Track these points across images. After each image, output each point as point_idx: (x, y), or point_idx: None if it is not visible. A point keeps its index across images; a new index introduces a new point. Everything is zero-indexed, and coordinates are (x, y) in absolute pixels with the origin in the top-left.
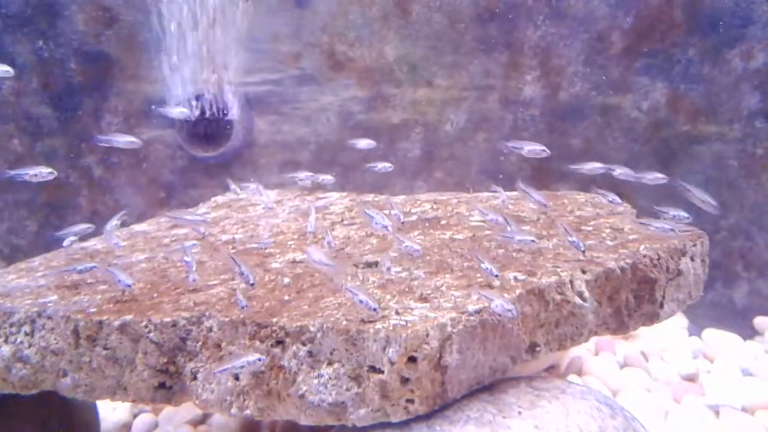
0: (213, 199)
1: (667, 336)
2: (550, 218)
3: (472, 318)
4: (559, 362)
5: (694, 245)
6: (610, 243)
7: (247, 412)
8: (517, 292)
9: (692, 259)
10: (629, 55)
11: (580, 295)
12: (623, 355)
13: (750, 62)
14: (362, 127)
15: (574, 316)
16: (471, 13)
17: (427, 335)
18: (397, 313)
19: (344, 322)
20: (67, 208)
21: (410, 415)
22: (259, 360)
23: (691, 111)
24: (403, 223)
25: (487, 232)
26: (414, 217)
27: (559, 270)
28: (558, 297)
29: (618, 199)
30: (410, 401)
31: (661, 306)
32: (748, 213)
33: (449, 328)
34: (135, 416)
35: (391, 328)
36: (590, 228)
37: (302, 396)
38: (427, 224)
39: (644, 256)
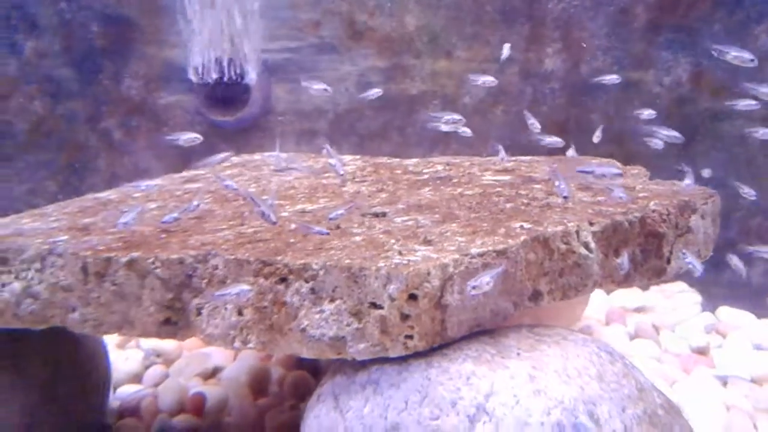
0: (230, 159)
1: (680, 311)
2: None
3: (474, 260)
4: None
5: (705, 203)
6: (619, 196)
7: (250, 345)
8: (522, 238)
9: (702, 217)
10: (652, 29)
11: (586, 245)
12: (634, 327)
13: None
14: (381, 97)
15: (579, 266)
16: None
17: (429, 274)
18: (400, 253)
19: (347, 261)
20: (86, 170)
21: (409, 351)
22: (247, 290)
23: (714, 87)
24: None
25: (498, 189)
26: (426, 176)
27: (566, 221)
28: (563, 246)
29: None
30: (409, 337)
31: (668, 261)
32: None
33: (451, 269)
34: (147, 367)
35: (393, 266)
36: (601, 187)
37: (303, 330)
38: (438, 182)
39: (653, 211)
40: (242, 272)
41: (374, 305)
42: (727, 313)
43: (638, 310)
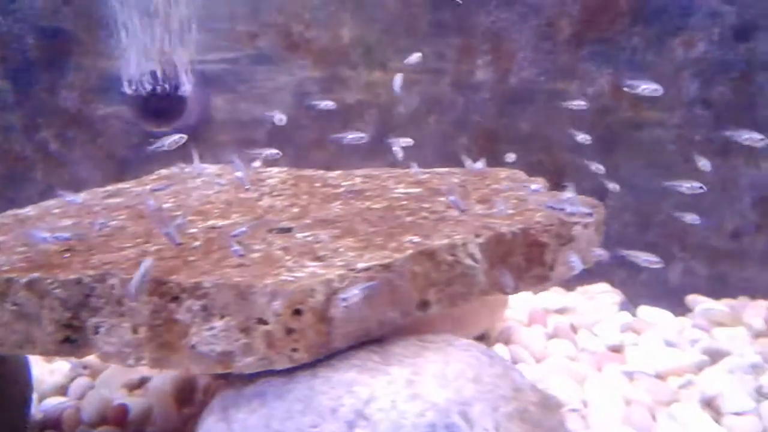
0: (157, 172)
1: (600, 311)
2: (467, 190)
3: (360, 275)
4: (489, 332)
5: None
6: (511, 211)
7: (144, 362)
8: (408, 252)
9: (585, 227)
10: (576, 42)
11: (472, 257)
12: (553, 327)
13: (690, 51)
14: (317, 107)
15: (466, 276)
16: None
17: (313, 290)
18: (289, 270)
19: (237, 279)
20: (23, 180)
21: (294, 363)
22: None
23: (633, 98)
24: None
25: (404, 202)
26: (341, 190)
27: (454, 234)
28: (450, 258)
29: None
30: (295, 350)
31: (552, 269)
32: (685, 196)
33: (336, 284)
34: (72, 379)
35: (279, 283)
36: (499, 199)
37: (193, 347)
38: (350, 195)
39: (537, 222)
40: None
41: (261, 321)
42: (646, 312)
43: (560, 311)
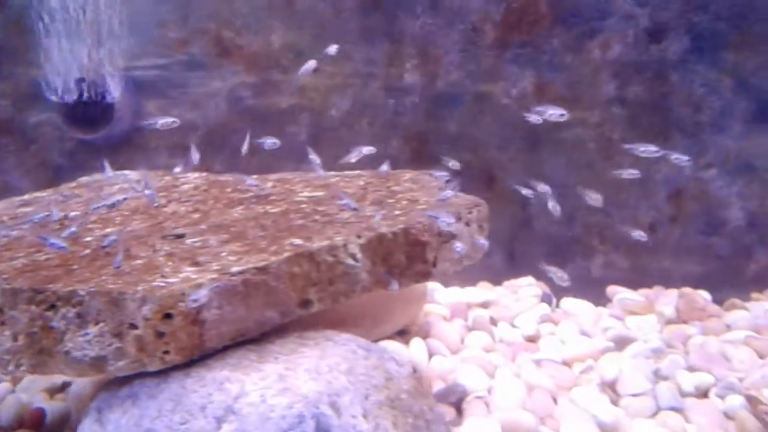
0: (78, 179)
1: (522, 303)
2: (366, 192)
3: (234, 278)
4: (409, 327)
5: (470, 212)
6: (397, 212)
7: (23, 369)
8: (285, 255)
9: (468, 225)
10: (500, 45)
11: (353, 257)
12: (473, 320)
13: (607, 53)
14: (251, 111)
15: (348, 275)
16: (353, 4)
17: (183, 294)
18: (163, 276)
19: (111, 286)
20: None
21: (167, 365)
22: None
23: (555, 98)
24: (156, 205)
25: (303, 206)
26: (249, 194)
27: (336, 236)
28: (331, 259)
29: (443, 175)
30: (166, 352)
31: (434, 265)
32: (605, 192)
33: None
34: None
35: (149, 289)
36: (393, 200)
37: (67, 352)
38: (254, 200)
39: (418, 222)
40: (17, 300)
41: (132, 326)
42: (568, 303)
43: (483, 304)
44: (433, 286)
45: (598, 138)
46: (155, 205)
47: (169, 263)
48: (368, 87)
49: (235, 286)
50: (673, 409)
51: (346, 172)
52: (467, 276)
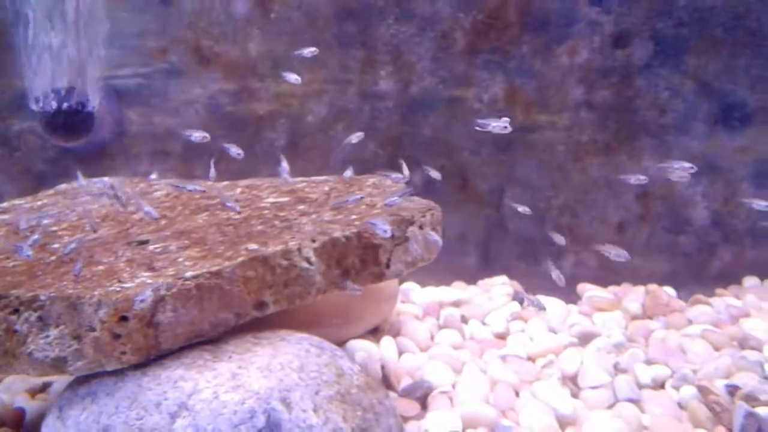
0: (56, 187)
1: (494, 302)
2: (330, 197)
3: (187, 282)
4: (381, 326)
5: (423, 216)
6: (354, 217)
7: None
8: (239, 260)
9: (421, 228)
10: (471, 52)
11: (308, 260)
12: (444, 319)
13: (575, 58)
14: (230, 118)
15: (302, 277)
16: (328, 13)
17: (144, 300)
18: (120, 281)
19: (70, 291)
20: None
21: (124, 365)
22: None
23: (525, 102)
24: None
25: (265, 212)
26: (216, 201)
27: (290, 240)
28: (285, 262)
29: (401, 177)
30: (123, 353)
31: (388, 267)
32: (574, 193)
33: (162, 291)
34: None
35: (105, 294)
36: (352, 205)
37: (30, 354)
38: (220, 206)
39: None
40: None
41: (90, 328)
42: (541, 301)
43: (455, 303)
44: (409, 286)
45: (567, 141)
46: (121, 200)
47: (128, 269)
48: (344, 93)
49: (189, 290)
50: (630, 400)
51: (313, 178)
52: (443, 276)
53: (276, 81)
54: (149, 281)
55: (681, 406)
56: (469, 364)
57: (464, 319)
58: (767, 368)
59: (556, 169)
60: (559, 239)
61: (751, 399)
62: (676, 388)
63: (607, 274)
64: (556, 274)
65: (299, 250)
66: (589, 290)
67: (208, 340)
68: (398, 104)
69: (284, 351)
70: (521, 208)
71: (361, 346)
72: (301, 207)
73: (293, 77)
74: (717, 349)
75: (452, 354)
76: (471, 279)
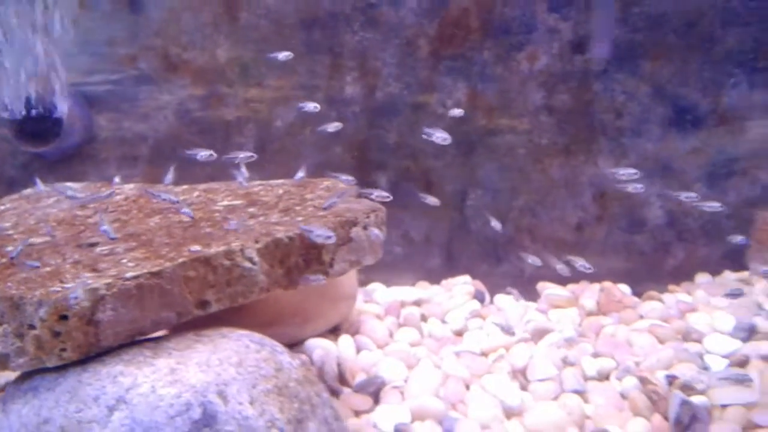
0: (21, 192)
1: (455, 300)
2: (282, 200)
3: (127, 283)
4: (341, 325)
5: (368, 217)
6: (300, 218)
7: None
8: (180, 260)
9: (365, 228)
10: (434, 58)
11: (251, 260)
12: (404, 317)
13: (534, 64)
14: (199, 123)
15: (245, 277)
16: (295, 20)
17: (77, 297)
18: (61, 282)
19: (13, 291)
20: None
21: (64, 361)
22: None
23: (487, 107)
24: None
25: (216, 215)
26: (173, 204)
27: (233, 242)
28: (227, 262)
29: (350, 179)
30: (63, 350)
31: (331, 266)
32: (534, 195)
33: (102, 291)
34: None
35: (45, 293)
36: (300, 207)
37: None
38: (174, 210)
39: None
40: None
41: (31, 326)
42: (501, 300)
43: (416, 302)
44: (374, 286)
45: (527, 144)
46: (75, 204)
47: (72, 270)
48: (311, 99)
49: (129, 290)
50: (575, 391)
51: (270, 181)
52: (408, 277)
53: (244, 87)
54: (90, 282)
55: (623, 396)
56: (424, 360)
57: (424, 318)
58: (706, 359)
59: (517, 171)
60: (535, 261)
61: (688, 388)
62: (620, 379)
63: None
64: (560, 266)
65: (242, 250)
66: (548, 288)
67: (151, 337)
68: (364, 109)
69: (224, 347)
70: (494, 223)
71: (318, 344)
72: (252, 210)
73: (312, 105)
74: (662, 342)
75: (409, 351)
76: (435, 279)
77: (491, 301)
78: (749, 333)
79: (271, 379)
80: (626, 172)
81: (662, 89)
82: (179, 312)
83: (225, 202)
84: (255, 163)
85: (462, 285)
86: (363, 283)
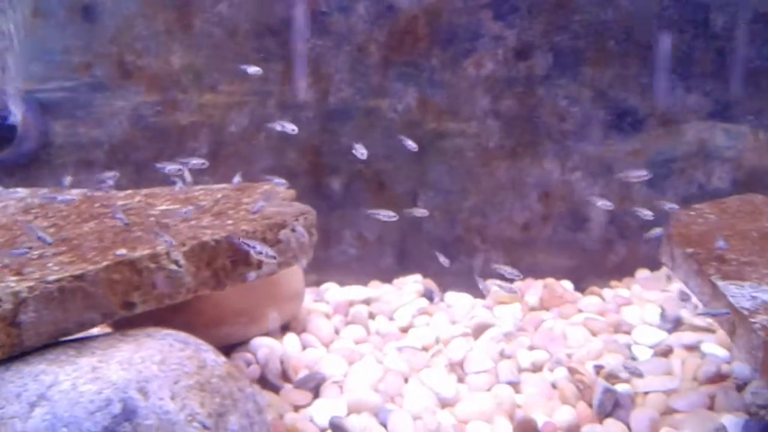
0: None
1: (404, 298)
2: (218, 204)
3: (50, 286)
4: (289, 323)
5: (297, 220)
6: (230, 222)
7: None
8: (104, 264)
9: (293, 230)
10: (385, 64)
11: (176, 263)
12: (351, 315)
13: (481, 70)
14: (153, 129)
15: (171, 279)
16: (248, 28)
17: (0, 300)
18: None
19: None
20: None
21: None
22: None
23: (436, 112)
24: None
25: (151, 219)
26: (109, 210)
27: (159, 245)
28: (153, 265)
29: (281, 182)
30: None
31: (260, 267)
32: (483, 196)
33: (24, 294)
34: None
35: None
36: (233, 211)
37: None
38: (109, 215)
39: (241, 230)
40: None
41: None
42: (451, 297)
43: (365, 301)
44: (327, 286)
45: (475, 147)
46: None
47: None
48: (265, 104)
49: (51, 293)
50: (509, 382)
51: (212, 186)
52: (361, 276)
53: (198, 93)
54: (13, 285)
55: (554, 386)
56: (367, 356)
57: (372, 316)
58: (634, 350)
59: (466, 173)
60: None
61: (613, 377)
62: (552, 370)
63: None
64: (482, 285)
65: (167, 253)
66: (495, 286)
67: (78, 339)
68: (317, 114)
69: (147, 346)
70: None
71: (264, 343)
72: (189, 208)
73: (290, 127)
74: (595, 334)
75: (353, 348)
76: (388, 278)
77: (442, 299)
78: (675, 324)
79: (194, 376)
80: (638, 174)
81: (603, 94)
82: (104, 313)
83: (163, 207)
84: (209, 168)
85: (413, 284)
86: (317, 283)
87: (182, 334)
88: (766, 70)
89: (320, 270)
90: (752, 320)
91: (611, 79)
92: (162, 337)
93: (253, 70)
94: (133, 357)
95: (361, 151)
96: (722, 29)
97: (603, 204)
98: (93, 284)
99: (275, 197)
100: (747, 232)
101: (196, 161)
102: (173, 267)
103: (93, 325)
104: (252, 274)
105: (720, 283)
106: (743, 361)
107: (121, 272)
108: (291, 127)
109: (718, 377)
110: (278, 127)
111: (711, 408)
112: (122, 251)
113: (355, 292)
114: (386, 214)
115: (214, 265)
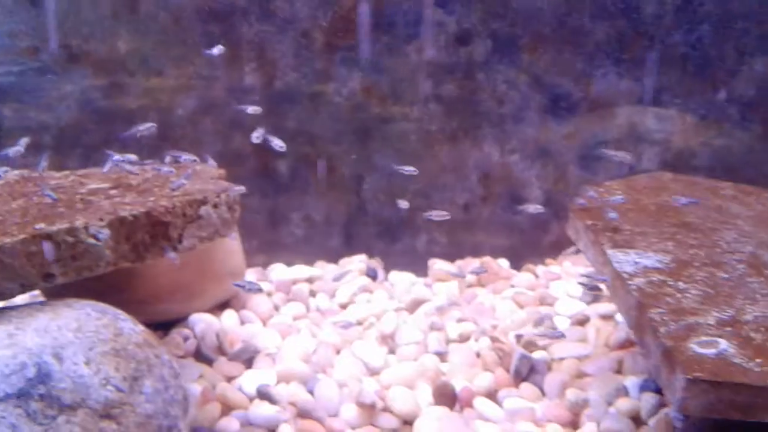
0: None
1: (347, 278)
2: (148, 184)
3: None
4: (231, 300)
5: (218, 196)
6: (151, 198)
7: None
8: (20, 237)
9: (215, 207)
10: (329, 49)
11: (95, 237)
12: (293, 293)
13: (422, 55)
14: (101, 112)
15: (90, 252)
16: (192, 13)
17: None
18: None
19: None
20: None
21: None
22: None
23: (380, 96)
24: None
25: (76, 196)
26: (40, 189)
27: (77, 220)
28: (71, 239)
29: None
30: None
31: (180, 242)
32: (427, 178)
33: None
34: None
35: None
36: (158, 189)
37: None
38: (40, 193)
39: (160, 206)
40: None
41: None
42: (395, 276)
43: (308, 279)
44: (274, 266)
45: (418, 131)
46: None
47: None
48: (211, 88)
49: None
50: (437, 353)
51: (145, 166)
52: (309, 257)
53: (145, 77)
54: None
55: (478, 355)
56: (303, 330)
57: (313, 293)
58: (555, 320)
59: (410, 156)
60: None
61: (531, 345)
62: (477, 340)
63: (455, 250)
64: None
65: (86, 227)
66: (436, 264)
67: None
68: (263, 98)
69: (65, 315)
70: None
71: (201, 319)
72: (113, 192)
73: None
74: (522, 307)
75: (290, 323)
76: (335, 258)
77: (386, 278)
78: (595, 297)
79: (109, 343)
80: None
81: (539, 79)
82: (23, 284)
83: (93, 186)
84: (156, 151)
85: (358, 263)
86: (265, 264)
87: (101, 305)
88: (692, 56)
89: (269, 251)
90: (630, 282)
91: (547, 65)
92: (80, 307)
93: (218, 50)
94: (49, 325)
95: (278, 144)
96: (652, 16)
97: (622, 155)
98: (11, 256)
99: (202, 176)
100: (646, 205)
101: (187, 156)
102: (91, 241)
103: (12, 296)
104: (171, 252)
105: (609, 252)
106: (623, 320)
107: (38, 245)
108: (254, 108)
109: (627, 343)
110: (249, 110)
111: (618, 371)
112: (41, 225)
113: (301, 271)
114: (439, 214)
115: (133, 239)
